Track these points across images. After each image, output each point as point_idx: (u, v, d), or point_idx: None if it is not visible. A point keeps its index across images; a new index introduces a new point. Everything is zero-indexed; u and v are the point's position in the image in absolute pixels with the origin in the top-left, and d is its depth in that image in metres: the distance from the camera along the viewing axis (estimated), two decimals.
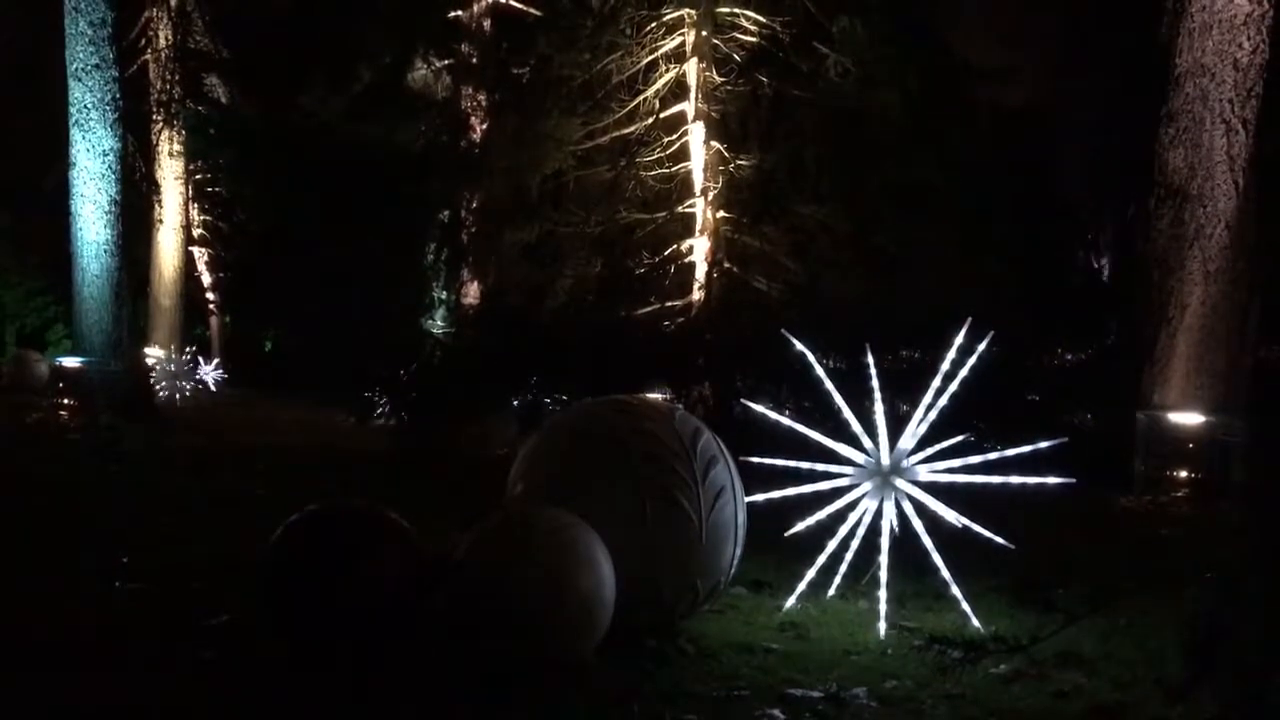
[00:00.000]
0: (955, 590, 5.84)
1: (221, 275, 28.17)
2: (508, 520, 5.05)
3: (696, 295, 15.37)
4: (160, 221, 25.27)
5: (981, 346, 6.09)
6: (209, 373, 24.37)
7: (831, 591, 6.28)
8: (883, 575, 5.81)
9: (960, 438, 6.03)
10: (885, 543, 5.87)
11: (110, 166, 16.59)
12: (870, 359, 6.13)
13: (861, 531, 5.99)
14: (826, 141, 14.98)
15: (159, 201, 25.15)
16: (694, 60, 15.42)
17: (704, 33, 15.38)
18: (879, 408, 5.97)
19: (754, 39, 15.37)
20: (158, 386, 20.09)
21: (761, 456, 6.15)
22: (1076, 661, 5.31)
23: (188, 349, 23.92)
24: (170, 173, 25.50)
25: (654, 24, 15.50)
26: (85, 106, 16.42)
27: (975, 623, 5.78)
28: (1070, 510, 9.33)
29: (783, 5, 15.08)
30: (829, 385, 6.10)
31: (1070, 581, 6.80)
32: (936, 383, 5.94)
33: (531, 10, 19.81)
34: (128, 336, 17.04)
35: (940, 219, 14.95)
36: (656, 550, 5.35)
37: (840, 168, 14.94)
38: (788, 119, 15.23)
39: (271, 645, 4.99)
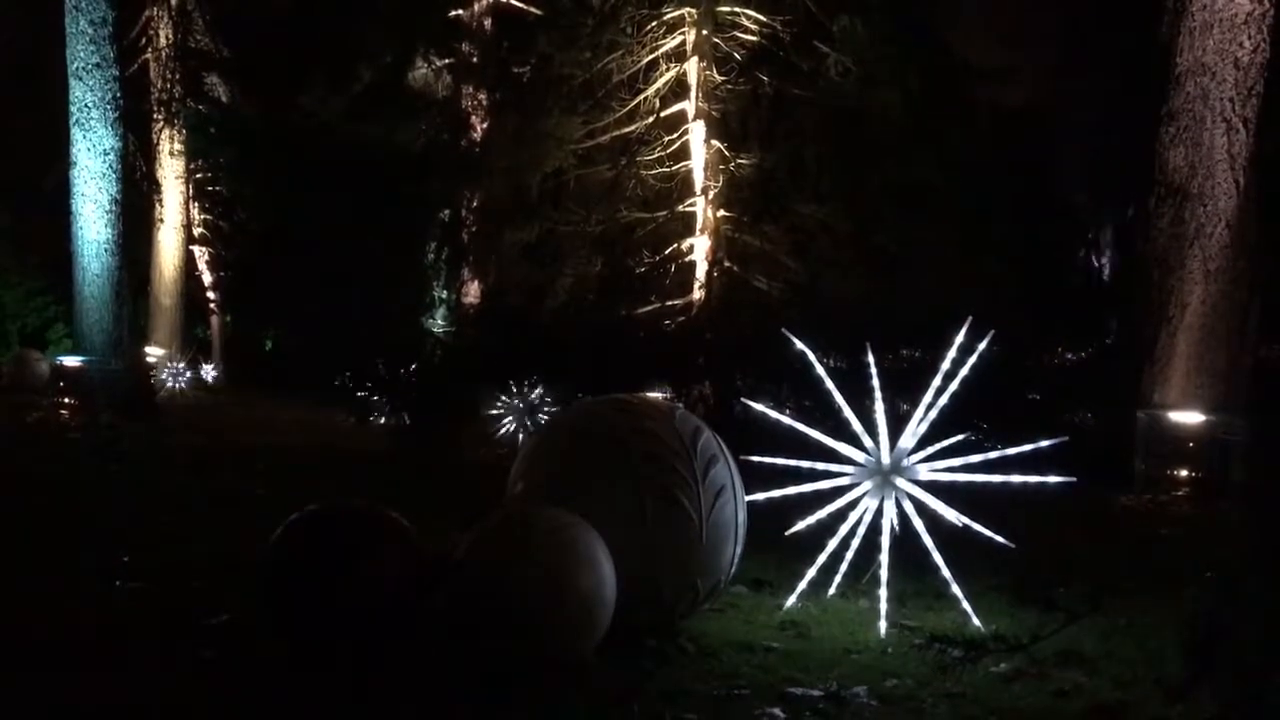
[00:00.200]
0: (956, 589, 5.84)
1: (222, 274, 28.16)
2: (508, 520, 5.05)
3: (697, 294, 15.39)
4: (161, 221, 25.30)
5: (982, 346, 6.09)
6: (209, 372, 24.38)
7: (832, 590, 6.28)
8: (883, 574, 5.81)
9: (961, 437, 6.03)
10: (886, 542, 5.86)
11: (111, 165, 16.60)
12: (870, 358, 6.12)
13: (862, 530, 5.98)
14: (827, 141, 15.00)
15: (159, 201, 25.18)
16: (694, 59, 15.43)
17: (704, 31, 15.39)
18: (879, 407, 5.96)
19: (754, 38, 15.39)
20: (158, 385, 20.09)
21: (762, 455, 6.14)
22: (1077, 660, 5.30)
23: (188, 348, 23.93)
24: (171, 172, 25.53)
25: (654, 23, 15.52)
26: (86, 105, 16.43)
27: (976, 622, 5.78)
28: (1071, 509, 9.33)
29: (783, 4, 15.10)
30: (829, 384, 6.10)
31: (1071, 580, 6.80)
32: (937, 382, 5.93)
33: (532, 9, 19.84)
34: (128, 336, 17.05)
35: (940, 218, 14.97)
36: (657, 549, 5.35)
37: (840, 167, 14.96)
38: (788, 118, 15.25)
39: (271, 645, 4.99)
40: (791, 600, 6.12)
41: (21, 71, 23.22)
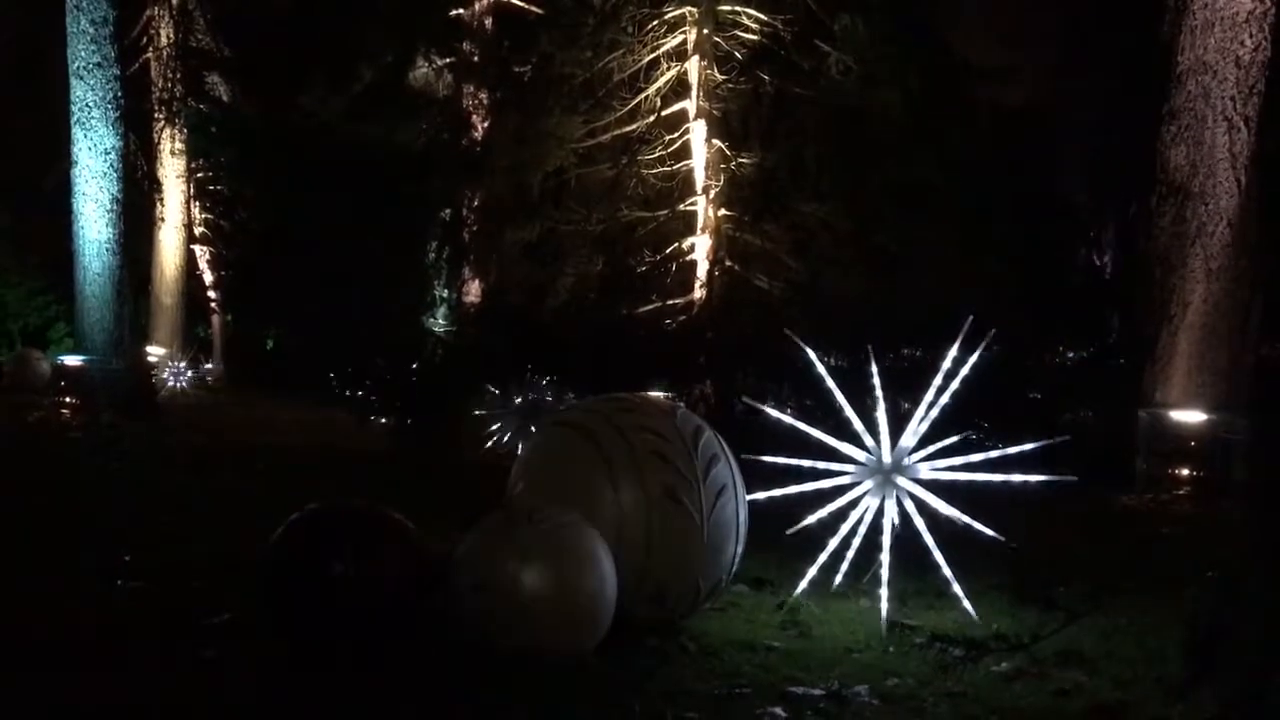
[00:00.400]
0: (957, 588, 5.84)
1: (223, 274, 28.15)
2: (509, 519, 5.05)
3: (698, 293, 15.38)
4: (162, 220, 25.29)
5: (983, 345, 6.08)
6: (209, 371, 24.39)
7: (833, 589, 6.27)
8: (884, 573, 5.81)
9: (961, 436, 6.02)
10: (886, 541, 5.86)
11: (112, 165, 16.59)
12: (871, 357, 6.12)
13: (863, 529, 5.98)
14: (827, 140, 14.99)
15: (160, 200, 25.17)
16: (695, 58, 15.43)
17: (705, 30, 15.38)
18: (880, 406, 5.96)
19: (755, 37, 15.38)
20: (159, 385, 20.10)
21: (763, 455, 6.14)
22: (1078, 660, 5.30)
23: (189, 347, 23.94)
24: (172, 171, 25.51)
25: (655, 22, 15.51)
26: (87, 105, 16.42)
27: (977, 621, 5.78)
28: (1071, 509, 9.32)
29: (784, 3, 15.09)
30: (830, 383, 6.10)
31: (1071, 580, 6.81)
32: (938, 381, 5.93)
33: (533, 8, 19.84)
34: (129, 335, 17.04)
35: (941, 217, 14.96)
36: (658, 548, 5.35)
37: (841, 166, 14.95)
38: (789, 117, 15.25)
39: (272, 645, 4.99)
40: (793, 599, 6.12)
41: (22, 71, 23.22)
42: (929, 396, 5.91)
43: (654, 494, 5.38)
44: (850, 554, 6.09)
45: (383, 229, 21.58)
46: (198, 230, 27.52)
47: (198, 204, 27.51)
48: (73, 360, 17.04)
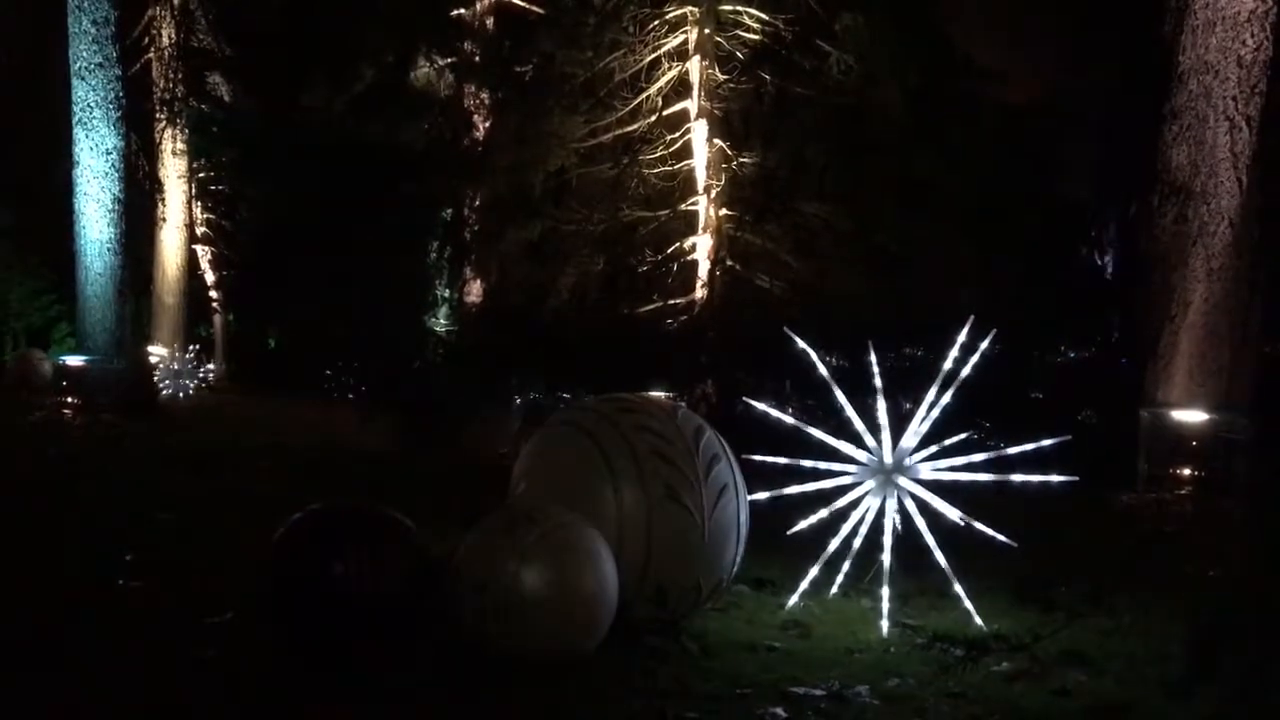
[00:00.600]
0: (958, 588, 5.84)
1: (224, 274, 28.18)
2: (509, 519, 5.05)
3: (699, 293, 15.37)
4: (163, 220, 25.30)
5: (984, 344, 6.08)
6: (211, 371, 24.40)
7: (834, 589, 6.27)
8: (885, 573, 5.80)
9: (963, 436, 6.02)
10: (888, 541, 5.86)
11: (113, 165, 16.62)
12: (873, 356, 6.12)
13: (864, 530, 5.98)
14: (829, 139, 14.98)
15: (162, 200, 25.17)
16: (696, 58, 15.41)
17: (706, 30, 15.37)
18: (882, 405, 5.96)
19: (756, 36, 15.37)
20: (161, 384, 20.11)
21: (764, 455, 6.14)
22: (1079, 659, 5.29)
23: (191, 347, 23.95)
24: (173, 171, 25.51)
25: (656, 22, 15.49)
26: (88, 105, 16.44)
27: (978, 621, 5.77)
28: (1073, 508, 9.32)
29: (785, 3, 15.08)
30: (831, 383, 6.09)
31: (1073, 580, 6.80)
32: (939, 380, 5.93)
33: (534, 8, 19.80)
34: (131, 335, 17.07)
35: (942, 217, 14.96)
36: (659, 549, 5.35)
37: (842, 165, 14.95)
38: (790, 116, 15.23)
39: (273, 644, 4.99)
40: (794, 599, 6.12)
41: (24, 71, 23.22)
42: (930, 396, 5.91)
43: (655, 494, 5.38)
44: (851, 554, 6.09)
45: (384, 229, 21.61)
46: (199, 230, 27.52)
47: (199, 204, 27.51)
48: (75, 360, 17.06)
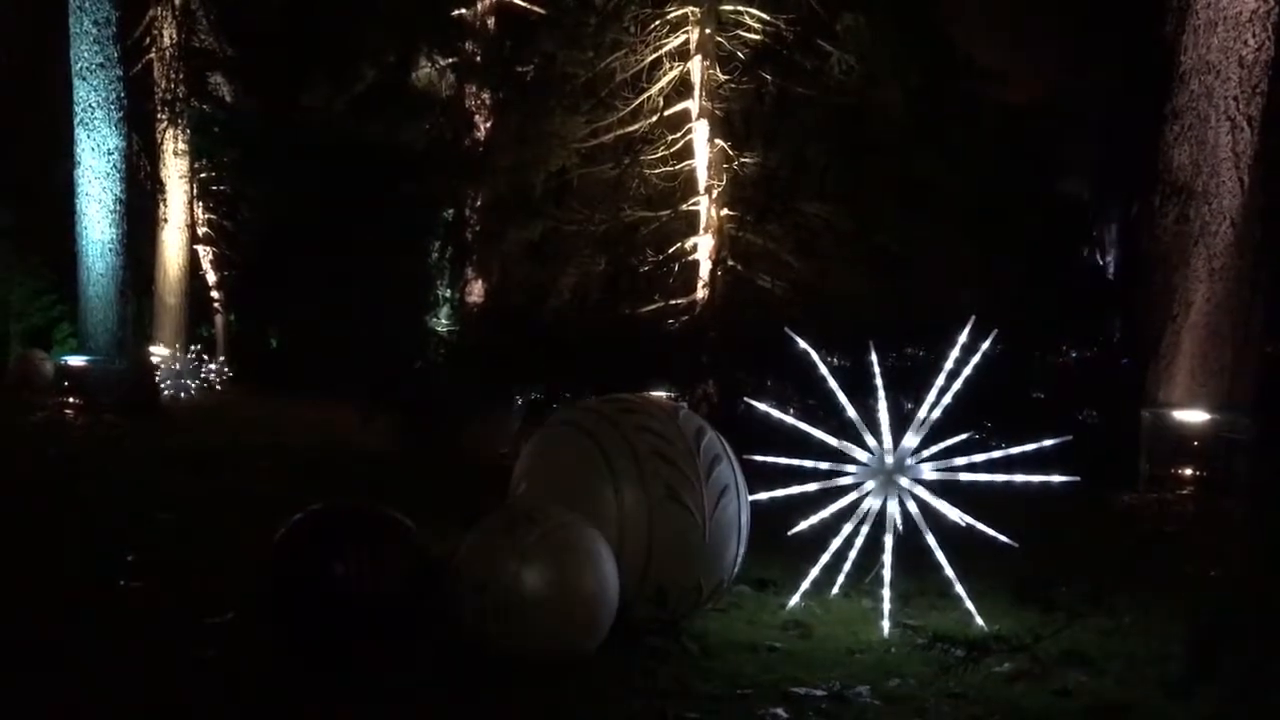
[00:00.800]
0: (959, 589, 5.84)
1: (226, 274, 28.20)
2: (510, 519, 5.04)
3: (700, 293, 15.35)
4: (165, 220, 25.28)
5: (985, 344, 6.08)
6: (213, 370, 24.41)
7: (835, 590, 6.27)
8: (886, 574, 5.80)
9: (964, 436, 6.02)
10: (889, 541, 5.86)
11: (115, 165, 16.61)
12: (874, 357, 6.12)
13: (865, 530, 5.98)
14: (830, 139, 14.96)
15: (163, 200, 25.15)
16: (698, 58, 15.40)
17: (707, 30, 15.36)
18: (883, 405, 5.95)
19: (758, 36, 15.35)
20: (162, 385, 20.12)
21: (765, 455, 6.14)
22: (1080, 660, 5.29)
23: (192, 347, 23.96)
24: (175, 171, 25.50)
25: (657, 22, 15.47)
26: (90, 105, 16.44)
27: (979, 621, 5.77)
28: (1074, 508, 9.31)
29: (786, 2, 15.06)
30: (833, 383, 6.09)
31: (1074, 580, 6.79)
32: (940, 380, 5.92)
33: (535, 8, 19.80)
34: (132, 335, 17.06)
35: (944, 217, 14.95)
36: (659, 549, 5.35)
37: (844, 165, 14.93)
38: (791, 116, 15.21)
39: (273, 644, 4.99)
40: (795, 600, 6.12)
41: (24, 71, 23.21)
42: (931, 396, 5.91)
43: (656, 494, 5.38)
44: (852, 555, 6.09)
45: (385, 229, 21.62)
46: (201, 230, 27.51)
47: (201, 204, 27.51)
48: (76, 360, 17.05)
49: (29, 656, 4.81)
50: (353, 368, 16.64)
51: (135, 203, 17.81)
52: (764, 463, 6.14)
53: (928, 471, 5.90)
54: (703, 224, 15.47)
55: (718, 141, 15.36)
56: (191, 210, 26.46)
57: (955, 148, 15.24)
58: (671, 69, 15.59)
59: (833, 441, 6.01)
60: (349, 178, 22.12)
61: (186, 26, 24.90)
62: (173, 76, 24.41)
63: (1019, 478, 5.96)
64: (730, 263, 15.23)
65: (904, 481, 5.90)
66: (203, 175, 27.28)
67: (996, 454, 5.94)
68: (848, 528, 6.01)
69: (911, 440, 5.91)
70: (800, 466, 6.07)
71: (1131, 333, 14.11)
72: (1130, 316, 14.62)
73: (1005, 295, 13.88)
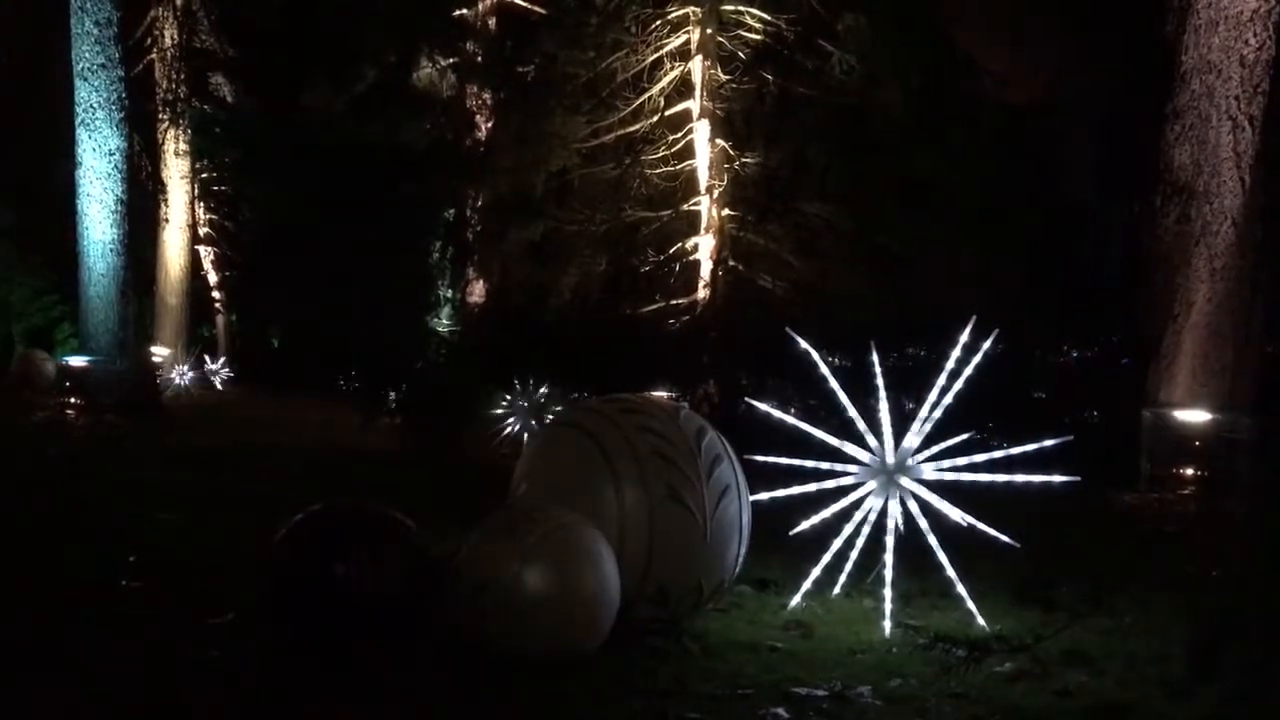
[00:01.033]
0: (960, 589, 5.83)
1: (227, 274, 28.23)
2: (511, 519, 5.04)
3: (701, 293, 15.37)
4: (166, 220, 25.33)
5: (987, 344, 6.07)
6: (215, 371, 24.43)
7: (836, 590, 6.26)
8: (888, 574, 5.79)
9: (966, 436, 6.01)
10: (890, 541, 5.85)
11: (116, 166, 16.61)
12: (875, 356, 6.11)
13: (866, 530, 5.97)
14: (831, 139, 14.99)
15: (165, 201, 25.20)
16: (699, 58, 15.41)
17: (708, 30, 15.37)
18: (884, 405, 5.95)
19: (758, 36, 15.37)
20: (163, 385, 20.13)
21: (766, 455, 6.13)
22: (1081, 660, 5.28)
23: (193, 348, 23.98)
24: (176, 172, 25.55)
25: (658, 22, 15.50)
26: (91, 106, 16.44)
27: (980, 621, 5.76)
28: (1075, 508, 9.30)
29: (787, 3, 15.08)
30: (834, 383, 6.08)
31: (1075, 580, 6.78)
32: (942, 380, 5.91)
33: (536, 9, 19.82)
34: (133, 335, 17.06)
35: (944, 217, 14.96)
36: (660, 549, 5.34)
37: (844, 165, 14.95)
38: (792, 116, 15.24)
39: (273, 644, 4.99)
40: (796, 600, 6.11)
41: (25, 71, 23.23)
42: (933, 396, 5.90)
43: (657, 495, 5.37)
44: (854, 555, 6.08)
45: (386, 229, 21.62)
46: (202, 231, 27.58)
47: (202, 204, 27.57)
48: (77, 360, 17.05)
49: (29, 656, 4.80)
50: (353, 368, 16.64)
51: (136, 203, 17.80)
52: (765, 463, 6.14)
53: (929, 471, 5.89)
54: (704, 224, 15.48)
55: (719, 141, 15.37)
56: (192, 210, 26.51)
57: (955, 148, 15.25)
58: (672, 69, 15.61)
59: (834, 441, 6.01)
60: (350, 178, 22.11)
61: (188, 27, 24.95)
62: (174, 77, 24.45)
63: (1020, 478, 5.95)
64: (731, 263, 15.25)
65: (905, 481, 5.89)
66: (204, 175, 27.34)
67: (997, 454, 5.93)
68: (849, 528, 6.00)
69: (912, 440, 5.90)
70: (801, 466, 6.06)
71: (1132, 333, 14.09)
72: (1131, 316, 14.60)
73: (1006, 295, 13.88)
